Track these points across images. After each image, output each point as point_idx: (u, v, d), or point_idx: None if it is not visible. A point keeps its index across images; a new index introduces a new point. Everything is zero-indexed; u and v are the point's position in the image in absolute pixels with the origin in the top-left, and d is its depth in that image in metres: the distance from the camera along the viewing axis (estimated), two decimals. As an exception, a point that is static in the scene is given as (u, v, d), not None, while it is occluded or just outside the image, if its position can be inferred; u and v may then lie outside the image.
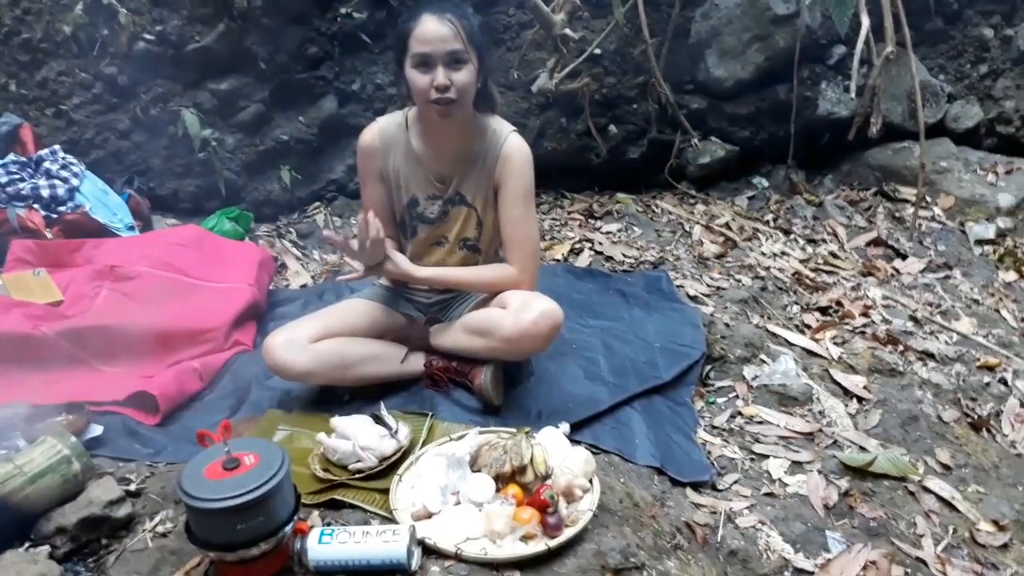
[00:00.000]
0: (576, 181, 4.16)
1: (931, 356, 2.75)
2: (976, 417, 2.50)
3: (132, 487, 1.83)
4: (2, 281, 2.57)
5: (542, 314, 2.02)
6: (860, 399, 2.48)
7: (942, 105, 4.26)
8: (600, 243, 3.51)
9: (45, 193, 2.93)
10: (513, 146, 2.13)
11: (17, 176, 2.95)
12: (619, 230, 3.68)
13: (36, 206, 2.91)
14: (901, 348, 2.77)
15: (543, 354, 2.25)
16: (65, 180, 3.00)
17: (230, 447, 1.51)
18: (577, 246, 3.49)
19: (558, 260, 3.36)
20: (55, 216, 2.93)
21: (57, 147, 3.16)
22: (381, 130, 2.20)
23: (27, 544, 1.59)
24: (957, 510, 2.10)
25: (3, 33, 3.40)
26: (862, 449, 2.25)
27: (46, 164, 3.02)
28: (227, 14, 3.41)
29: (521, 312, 2.03)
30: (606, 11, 3.68)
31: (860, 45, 3.22)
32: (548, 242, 3.53)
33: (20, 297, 2.49)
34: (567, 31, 3.46)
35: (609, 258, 3.39)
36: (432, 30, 1.93)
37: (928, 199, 3.97)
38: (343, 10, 3.58)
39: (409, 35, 1.96)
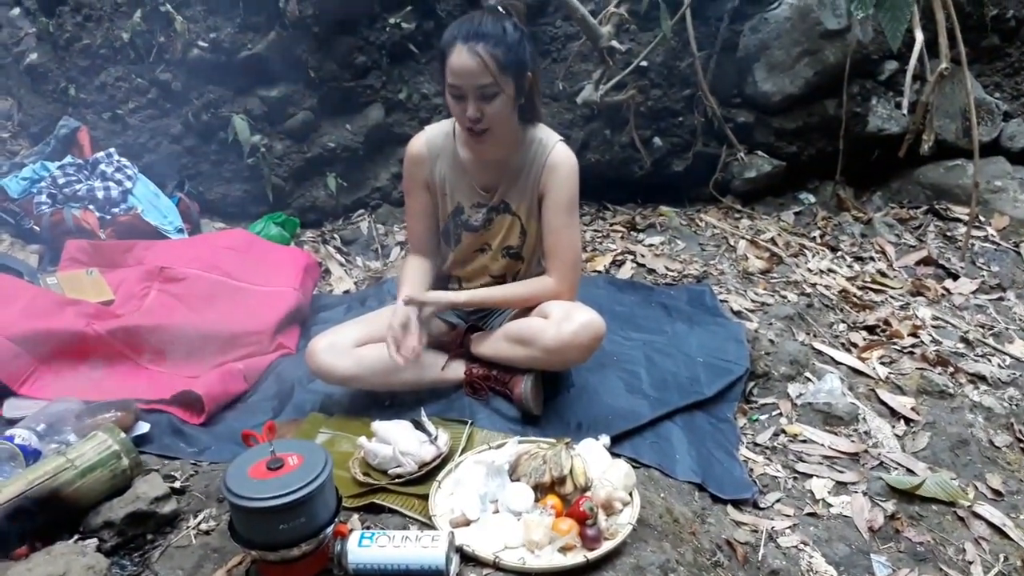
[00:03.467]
0: (619, 193, 4.14)
1: (983, 379, 2.68)
2: (1029, 443, 2.42)
3: (177, 484, 1.86)
4: (57, 279, 2.64)
5: (584, 325, 2.01)
6: (908, 420, 2.42)
7: (997, 123, 4.16)
8: (642, 256, 3.48)
9: (100, 195, 3.01)
10: (559, 156, 2.12)
11: (74, 178, 3.04)
12: (662, 243, 3.65)
13: (91, 207, 2.99)
14: (951, 370, 2.70)
15: (584, 365, 2.24)
16: (119, 183, 3.08)
17: (275, 448, 1.53)
18: (619, 258, 3.47)
19: (599, 272, 3.35)
20: (109, 217, 3.01)
21: (112, 150, 3.25)
22: (429, 139, 2.21)
23: (76, 536, 1.64)
24: (1009, 537, 2.04)
25: (64, 39, 3.51)
26: (909, 472, 2.20)
27: (101, 167, 3.11)
28: (279, 22, 3.48)
29: (563, 322, 2.02)
30: (653, 24, 3.67)
31: (913, 61, 3.17)
32: (590, 253, 3.52)
33: (73, 295, 2.55)
34: (614, 43, 3.46)
35: (651, 271, 3.37)
36: (461, 64, 1.89)
37: (981, 218, 3.88)
38: (392, 20, 3.62)
39: (444, 60, 1.94)
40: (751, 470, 2.18)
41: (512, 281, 2.30)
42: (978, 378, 2.69)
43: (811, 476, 2.18)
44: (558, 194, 2.12)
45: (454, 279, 2.37)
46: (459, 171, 2.19)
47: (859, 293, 3.27)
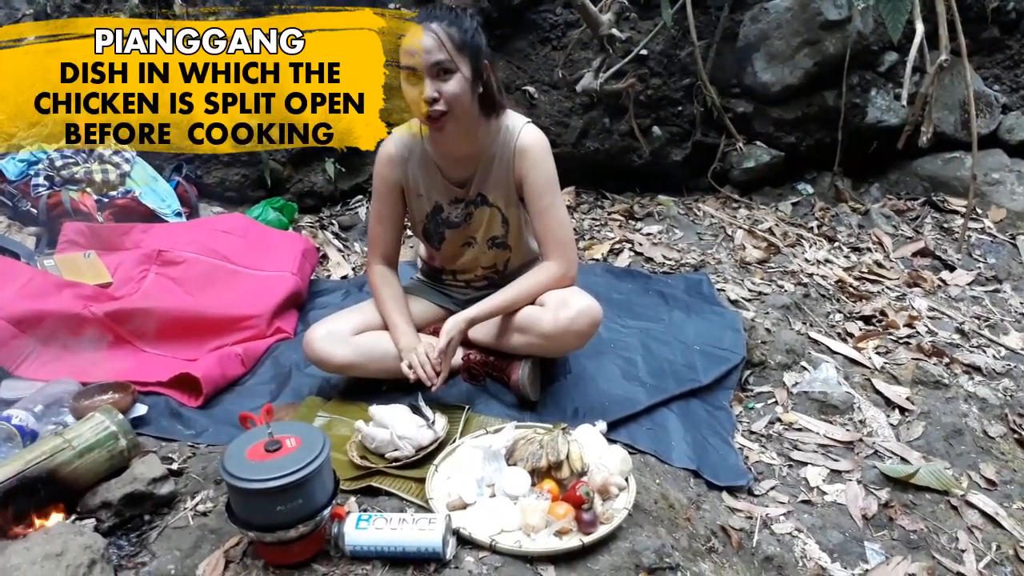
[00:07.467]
0: (617, 182, 4.14)
1: (978, 370, 2.69)
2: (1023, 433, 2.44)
3: (174, 466, 1.86)
4: (54, 262, 2.63)
5: (581, 311, 2.01)
6: (903, 410, 2.43)
7: (996, 116, 4.16)
8: (640, 244, 3.49)
9: (98, 178, 3.00)
10: (528, 138, 2.08)
11: (71, 160, 3.03)
12: (660, 232, 3.66)
13: (88, 190, 2.98)
14: (947, 360, 2.72)
15: (581, 352, 2.24)
16: (117, 166, 3.07)
17: (273, 429, 1.53)
18: (617, 246, 3.48)
19: (597, 260, 3.35)
20: (106, 200, 3.00)
21: (110, 133, 3.23)
22: (397, 141, 2.16)
23: (73, 516, 1.64)
24: (1001, 526, 2.05)
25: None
26: (904, 461, 2.21)
27: (99, 149, 3.09)
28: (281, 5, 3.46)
29: (560, 309, 2.02)
30: (654, 12, 3.67)
31: (913, 52, 3.17)
32: (588, 241, 3.52)
33: (71, 278, 2.54)
34: (614, 31, 3.46)
35: (649, 259, 3.37)
36: (415, 42, 1.86)
37: (978, 211, 3.89)
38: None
39: (400, 48, 1.91)
40: (746, 457, 2.19)
41: (504, 270, 2.30)
42: (973, 369, 2.70)
43: (806, 464, 2.19)
44: (536, 176, 2.09)
45: (447, 273, 2.37)
46: (431, 169, 2.16)
47: (856, 283, 3.28)
